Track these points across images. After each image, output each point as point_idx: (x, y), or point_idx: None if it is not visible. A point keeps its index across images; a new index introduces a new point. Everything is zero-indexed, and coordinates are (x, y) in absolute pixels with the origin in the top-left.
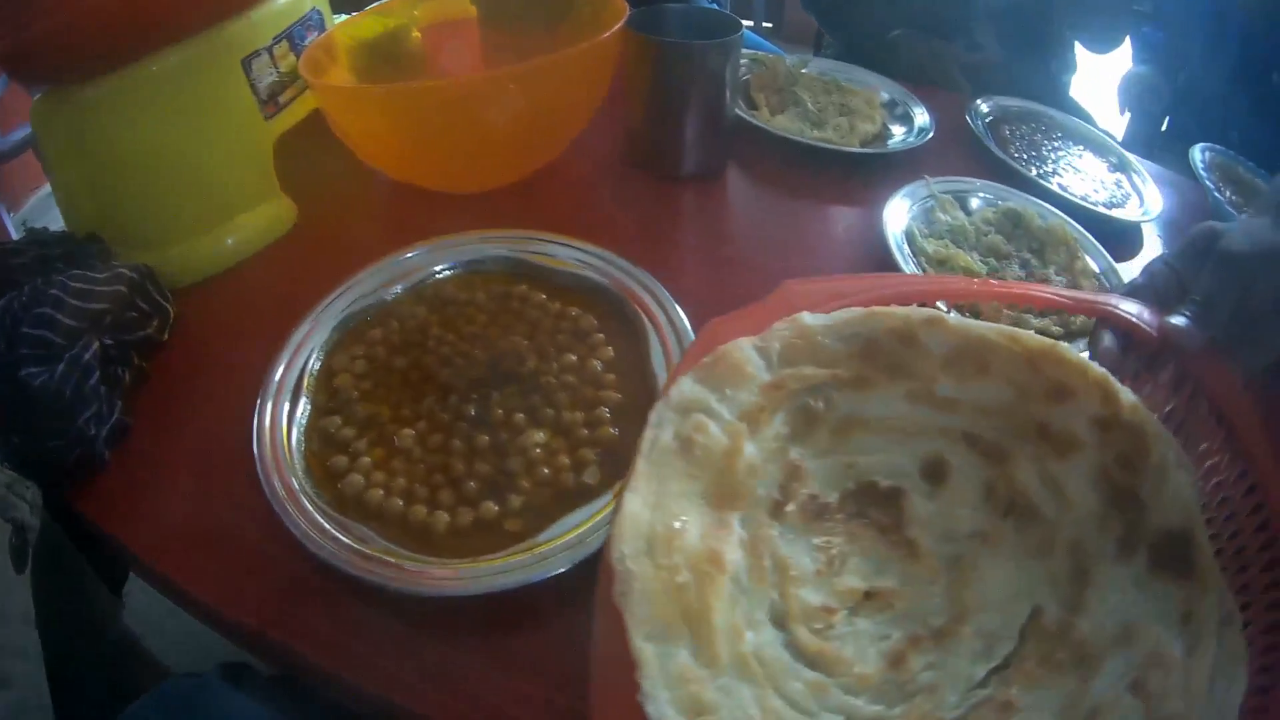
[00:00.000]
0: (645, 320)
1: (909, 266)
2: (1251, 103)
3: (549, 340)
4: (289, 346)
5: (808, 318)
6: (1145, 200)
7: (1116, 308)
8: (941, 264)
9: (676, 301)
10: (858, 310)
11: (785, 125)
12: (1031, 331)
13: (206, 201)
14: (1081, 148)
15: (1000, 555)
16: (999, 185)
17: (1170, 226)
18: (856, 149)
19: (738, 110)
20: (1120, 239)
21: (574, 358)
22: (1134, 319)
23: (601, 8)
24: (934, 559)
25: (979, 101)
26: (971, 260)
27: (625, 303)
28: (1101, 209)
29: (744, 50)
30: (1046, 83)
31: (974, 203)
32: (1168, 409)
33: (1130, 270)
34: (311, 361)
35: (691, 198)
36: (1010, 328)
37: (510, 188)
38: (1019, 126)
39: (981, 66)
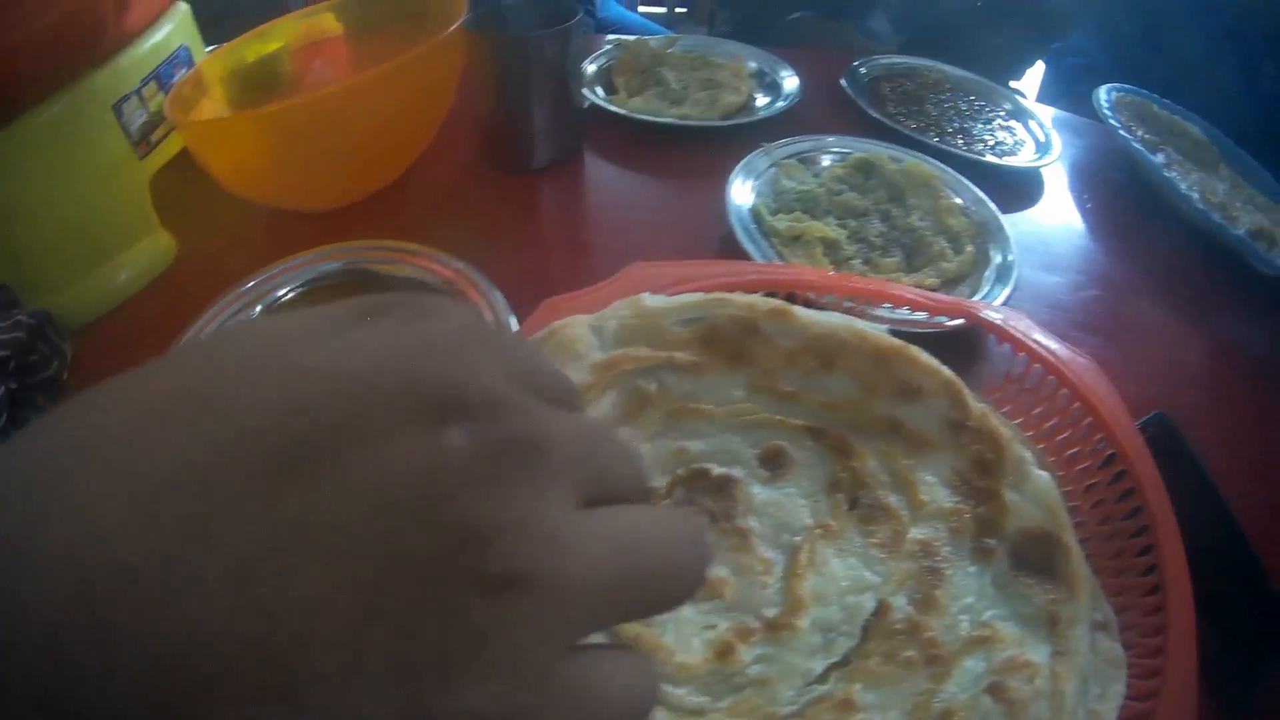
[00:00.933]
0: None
1: (759, 248)
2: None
3: None
4: None
5: (649, 299)
6: (1043, 146)
7: (980, 312)
8: (796, 240)
9: (524, 292)
10: (700, 295)
11: (640, 106)
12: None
13: (89, 244)
14: (973, 97)
15: (843, 548)
16: (848, 137)
17: (1080, 171)
18: (712, 121)
19: (594, 95)
20: (1016, 186)
21: None
22: (999, 323)
23: (451, 9)
24: (768, 549)
25: (858, 64)
26: (827, 227)
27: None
28: (990, 158)
29: (617, 35)
30: None
31: (824, 160)
32: (1037, 410)
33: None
34: None
35: (547, 189)
36: (862, 324)
37: (377, 197)
38: (902, 83)
39: (876, 51)
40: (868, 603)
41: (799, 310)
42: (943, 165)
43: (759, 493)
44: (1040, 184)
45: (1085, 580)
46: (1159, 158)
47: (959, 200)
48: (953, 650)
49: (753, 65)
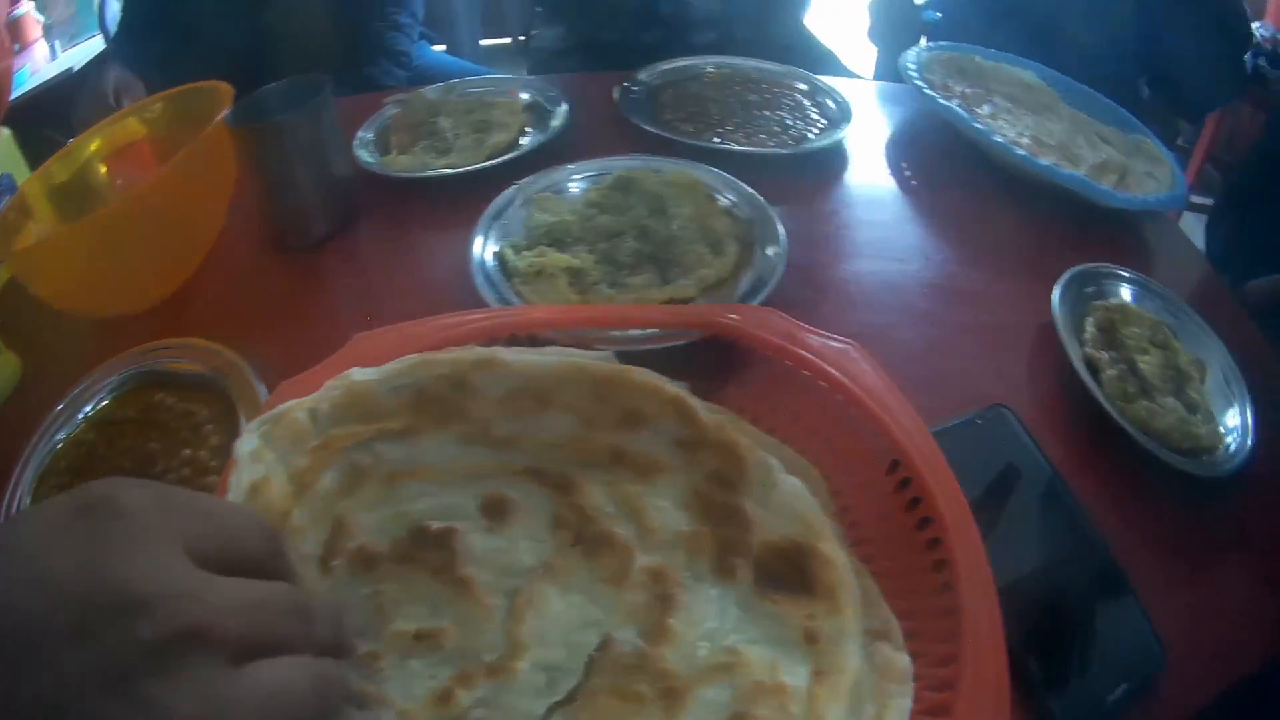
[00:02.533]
0: (237, 401)
1: (498, 292)
2: None
3: (174, 440)
4: (8, 491)
5: (356, 374)
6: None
7: (721, 318)
8: (539, 275)
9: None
10: (409, 359)
11: (407, 163)
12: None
13: None
14: (765, 85)
15: (568, 586)
16: (613, 157)
17: (901, 142)
18: (477, 165)
19: (366, 159)
20: (816, 169)
21: (189, 451)
22: (739, 326)
23: (222, 104)
24: (490, 595)
25: (641, 73)
26: (570, 256)
27: (227, 388)
28: (772, 150)
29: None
30: (782, 24)
31: (573, 187)
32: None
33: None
34: (21, 499)
35: (327, 263)
36: (580, 355)
37: (187, 289)
38: (686, 86)
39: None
40: (592, 638)
41: (509, 355)
42: (711, 168)
43: (480, 541)
44: (840, 162)
45: (849, 589)
46: (984, 109)
47: (726, 201)
48: (689, 680)
49: (525, 98)
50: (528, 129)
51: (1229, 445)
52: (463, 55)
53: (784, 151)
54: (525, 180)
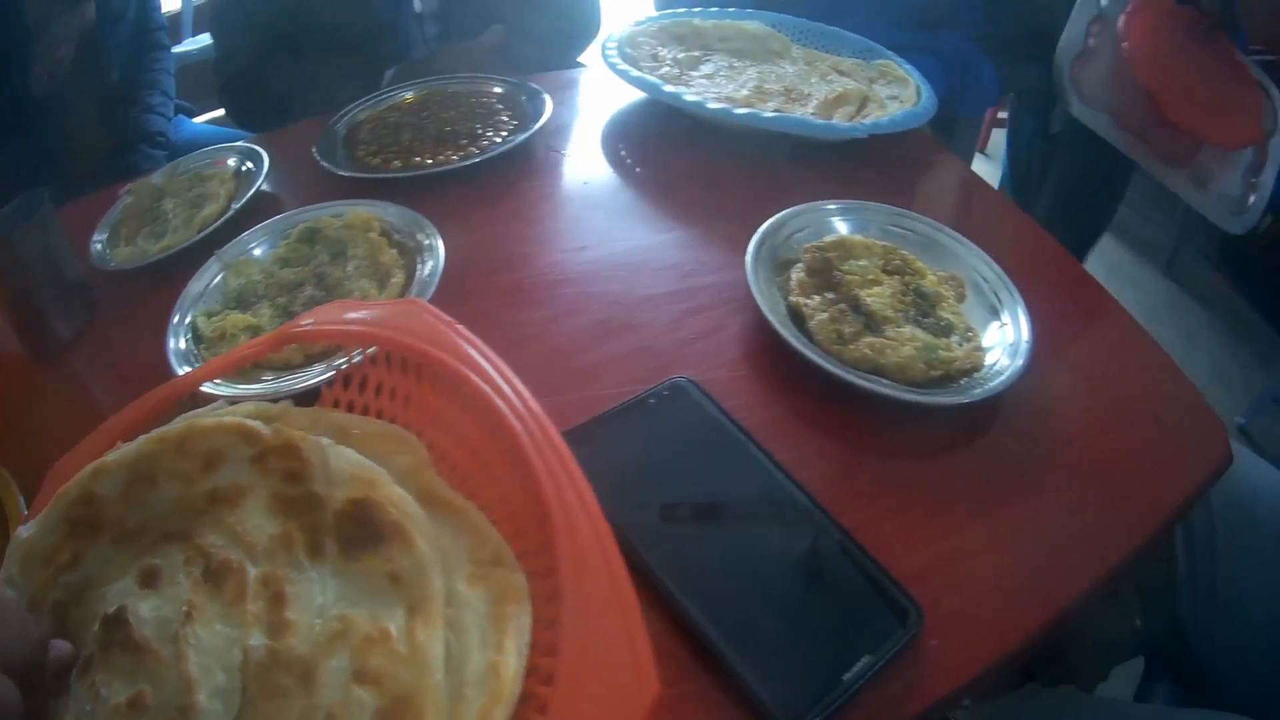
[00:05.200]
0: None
1: (190, 363)
2: None
3: None
4: None
5: (22, 531)
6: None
7: (295, 328)
8: (223, 339)
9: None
10: (49, 505)
11: (127, 254)
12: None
13: None
14: (474, 99)
15: (207, 619)
16: (297, 212)
17: (624, 124)
18: (188, 242)
19: (96, 256)
20: (507, 170)
21: None
22: (306, 328)
23: None
24: (162, 648)
25: (344, 112)
26: (248, 316)
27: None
28: (453, 165)
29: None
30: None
31: (257, 250)
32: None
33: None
34: None
35: (77, 367)
36: (189, 417)
37: None
38: (387, 116)
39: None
40: (237, 655)
41: (112, 455)
42: (385, 202)
43: (144, 608)
44: (529, 162)
45: (416, 521)
46: (704, 69)
47: (397, 232)
48: (315, 657)
49: (232, 164)
50: (237, 195)
51: (996, 363)
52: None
53: (461, 165)
54: (224, 248)
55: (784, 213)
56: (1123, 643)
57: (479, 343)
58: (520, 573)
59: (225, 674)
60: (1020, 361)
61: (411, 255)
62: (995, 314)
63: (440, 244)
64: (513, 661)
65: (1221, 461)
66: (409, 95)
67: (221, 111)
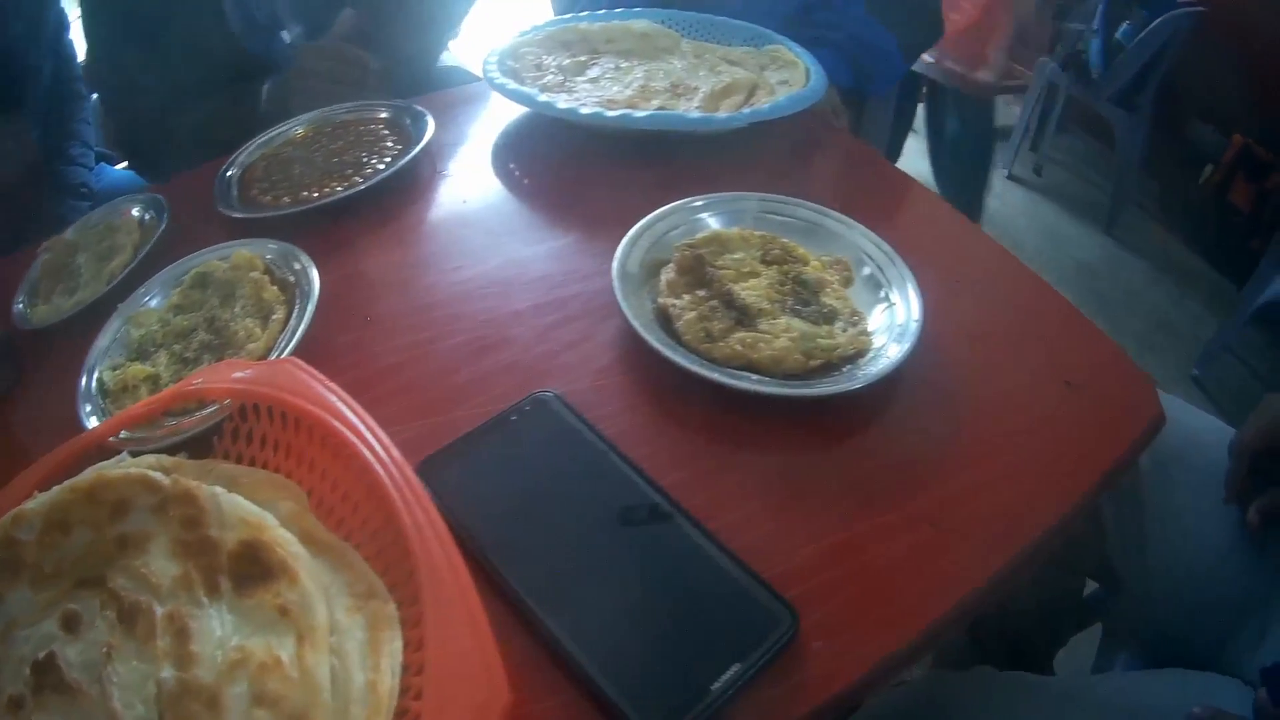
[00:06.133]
0: None
1: (102, 417)
2: None
3: None
4: None
5: None
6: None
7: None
8: (125, 391)
9: None
10: None
11: (44, 313)
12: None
13: None
14: (364, 128)
15: (124, 657)
16: (190, 258)
17: (516, 139)
18: (100, 293)
19: (19, 316)
20: (392, 197)
21: None
22: (197, 387)
23: None
24: (90, 687)
25: (238, 154)
26: (152, 366)
27: None
28: (336, 197)
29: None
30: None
31: (153, 301)
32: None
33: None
34: None
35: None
36: (91, 473)
37: None
38: (282, 151)
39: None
40: (152, 689)
41: (29, 504)
42: (268, 241)
43: (71, 652)
44: (417, 189)
45: (300, 559)
46: (591, 73)
47: (280, 269)
48: (219, 685)
49: (136, 212)
50: (141, 244)
51: (884, 346)
52: None
53: (344, 196)
54: (126, 300)
55: (652, 214)
56: (1072, 609)
57: (343, 394)
58: (391, 603)
59: (144, 705)
60: (908, 342)
61: (292, 290)
62: (884, 295)
63: (315, 277)
64: (388, 679)
65: (1151, 422)
66: (300, 130)
67: None
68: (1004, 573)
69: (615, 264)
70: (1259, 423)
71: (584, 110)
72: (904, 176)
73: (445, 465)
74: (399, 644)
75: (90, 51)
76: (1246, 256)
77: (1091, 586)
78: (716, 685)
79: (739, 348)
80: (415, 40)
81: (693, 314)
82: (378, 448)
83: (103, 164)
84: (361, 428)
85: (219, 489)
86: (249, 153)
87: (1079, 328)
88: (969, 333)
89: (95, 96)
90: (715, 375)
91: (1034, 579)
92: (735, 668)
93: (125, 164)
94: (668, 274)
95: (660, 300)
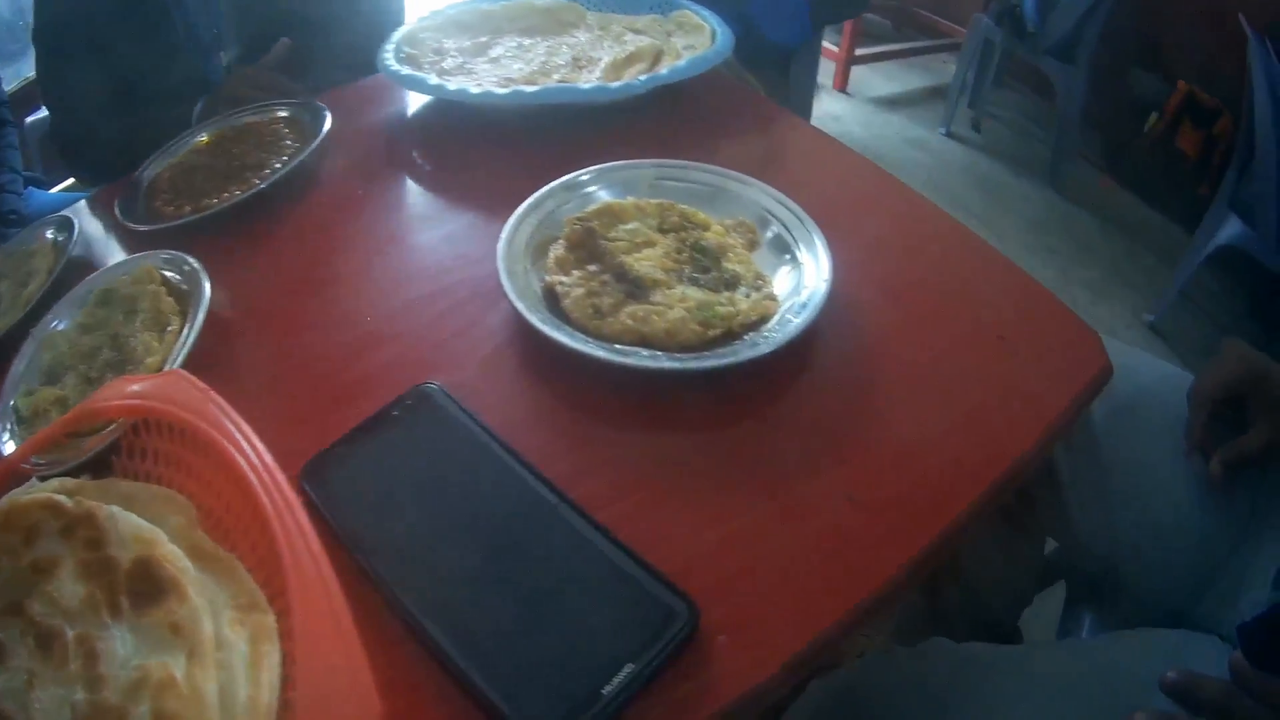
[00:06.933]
0: None
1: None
2: None
3: None
4: None
5: None
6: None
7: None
8: (37, 416)
9: None
10: None
11: None
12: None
13: None
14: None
15: (44, 682)
16: (93, 277)
17: (423, 129)
18: (10, 325)
19: None
20: (285, 198)
21: None
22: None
23: None
24: (15, 715)
25: (143, 167)
26: (61, 389)
27: None
28: (231, 201)
29: None
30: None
31: (63, 324)
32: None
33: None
34: None
35: None
36: (5, 501)
37: None
38: (186, 160)
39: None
40: (67, 713)
41: None
42: (167, 252)
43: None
44: (315, 186)
45: (188, 574)
46: (493, 53)
47: (177, 279)
48: (125, 705)
49: (50, 235)
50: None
51: (792, 307)
52: None
53: (240, 199)
54: (38, 325)
55: (540, 191)
56: (1034, 569)
57: (221, 402)
58: (271, 614)
59: None
60: (816, 304)
61: (187, 300)
62: (791, 256)
63: (206, 285)
64: (266, 695)
65: (1098, 374)
66: (204, 137)
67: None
68: (934, 546)
69: (501, 244)
70: (1217, 370)
71: (474, 90)
72: (820, 135)
73: (328, 468)
74: (277, 657)
75: (40, 60)
76: (1196, 202)
77: (1053, 545)
78: (609, 689)
79: (630, 322)
80: (343, 70)
81: (580, 290)
82: (252, 456)
83: (31, 188)
84: (238, 436)
85: (115, 508)
86: (155, 164)
87: (1014, 280)
88: (891, 291)
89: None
90: (600, 353)
91: (993, 539)
92: (629, 668)
93: (65, 184)
94: (556, 250)
95: (548, 278)
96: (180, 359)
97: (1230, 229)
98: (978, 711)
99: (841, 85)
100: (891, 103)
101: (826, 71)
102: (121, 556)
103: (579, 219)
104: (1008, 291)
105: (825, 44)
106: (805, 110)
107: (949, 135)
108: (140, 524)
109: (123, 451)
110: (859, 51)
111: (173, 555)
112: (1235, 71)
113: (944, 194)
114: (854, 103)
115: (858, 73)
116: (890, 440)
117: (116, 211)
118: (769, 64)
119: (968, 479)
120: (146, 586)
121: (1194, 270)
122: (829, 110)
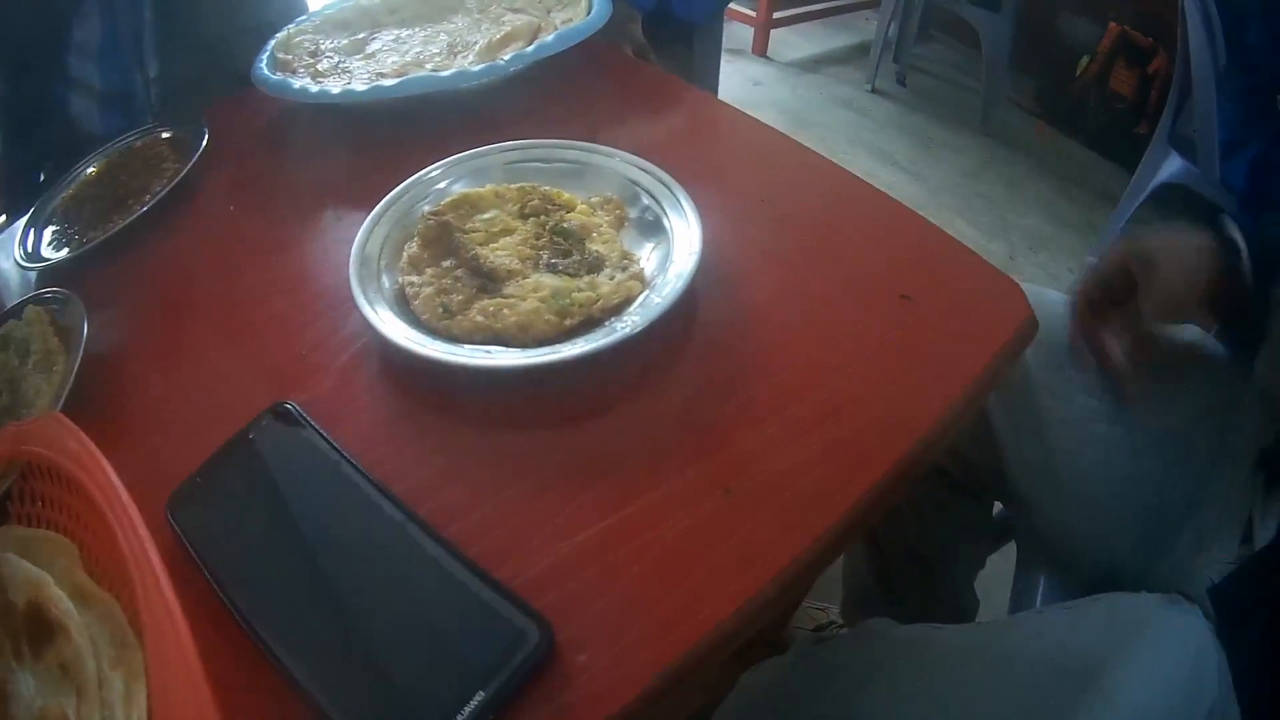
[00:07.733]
0: None
1: None
2: None
3: None
4: None
5: None
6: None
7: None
8: None
9: None
10: None
11: None
12: None
13: None
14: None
15: None
16: None
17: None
18: None
19: None
20: (165, 221)
21: None
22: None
23: None
24: None
25: (40, 203)
26: None
27: None
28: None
29: None
30: None
31: None
32: None
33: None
34: None
35: None
36: None
37: None
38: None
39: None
40: None
41: None
42: (38, 291)
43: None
44: (192, 209)
45: (72, 619)
46: (370, 49)
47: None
48: None
49: None
50: None
51: (659, 286)
52: None
53: (114, 231)
54: None
55: (392, 191)
56: (981, 533)
57: (86, 441)
58: (140, 651)
59: None
60: (683, 279)
61: (69, 337)
62: (663, 229)
63: (85, 322)
64: None
65: (1020, 328)
66: (93, 168)
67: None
68: (833, 534)
69: (354, 249)
70: (1099, 266)
71: (335, 91)
72: (713, 100)
73: (190, 498)
74: (144, 695)
75: None
76: (1135, 142)
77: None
78: (460, 718)
79: (480, 319)
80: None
81: (430, 289)
82: (112, 495)
83: None
84: (101, 476)
85: (11, 554)
86: (49, 201)
87: (922, 235)
88: (777, 257)
89: None
90: (441, 355)
91: (934, 506)
92: (479, 696)
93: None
94: (410, 249)
95: (400, 279)
96: (62, 400)
97: (1171, 166)
98: (916, 700)
99: (762, 50)
100: (814, 63)
101: (745, 38)
102: (18, 600)
103: (432, 213)
104: (914, 247)
105: (743, 9)
106: (712, 82)
107: (874, 91)
108: (29, 568)
109: (14, 497)
110: (777, 15)
111: (56, 597)
112: (1168, 10)
113: (872, 150)
114: (775, 67)
115: (778, 36)
116: (775, 422)
117: (15, 251)
118: (674, 39)
119: (870, 457)
120: (40, 628)
121: (1135, 209)
122: (750, 75)
